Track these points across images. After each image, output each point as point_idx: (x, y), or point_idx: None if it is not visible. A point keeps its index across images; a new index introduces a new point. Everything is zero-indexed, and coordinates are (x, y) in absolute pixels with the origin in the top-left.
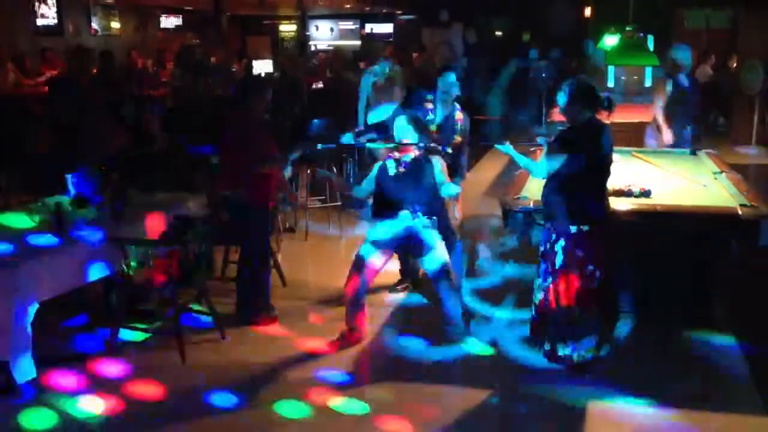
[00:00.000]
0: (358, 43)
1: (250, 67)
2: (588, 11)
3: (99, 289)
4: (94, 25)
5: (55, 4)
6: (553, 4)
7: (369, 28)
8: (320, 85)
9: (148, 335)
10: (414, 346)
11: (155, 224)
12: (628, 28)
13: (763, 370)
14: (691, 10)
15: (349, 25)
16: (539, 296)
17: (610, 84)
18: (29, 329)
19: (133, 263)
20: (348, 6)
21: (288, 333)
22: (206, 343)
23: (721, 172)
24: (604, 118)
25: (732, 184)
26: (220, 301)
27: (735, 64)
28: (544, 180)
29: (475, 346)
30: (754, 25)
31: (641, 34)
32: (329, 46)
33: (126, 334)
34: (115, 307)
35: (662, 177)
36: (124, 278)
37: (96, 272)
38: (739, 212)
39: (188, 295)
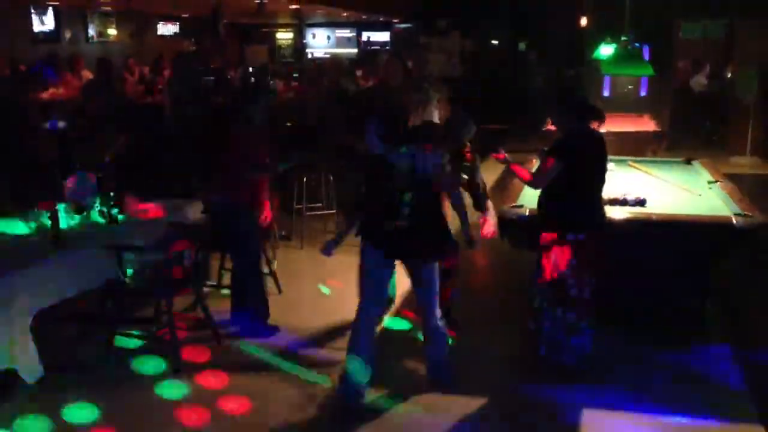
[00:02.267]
0: (355, 51)
1: (248, 76)
2: (584, 21)
3: (95, 296)
4: (91, 32)
5: (52, 11)
6: (550, 14)
7: (366, 36)
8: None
9: (143, 342)
10: (411, 353)
11: (151, 231)
12: (623, 38)
13: (758, 377)
14: (688, 21)
15: (346, 33)
16: (536, 303)
17: (606, 93)
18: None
19: (129, 270)
20: (345, 14)
21: (284, 340)
22: (202, 351)
23: (716, 181)
24: (597, 127)
25: (726, 193)
26: (216, 308)
27: (730, 74)
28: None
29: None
30: (750, 35)
31: (637, 44)
32: (326, 54)
33: (122, 342)
34: (111, 315)
35: (657, 186)
36: (120, 285)
37: (92, 280)
38: (734, 221)
39: (184, 303)
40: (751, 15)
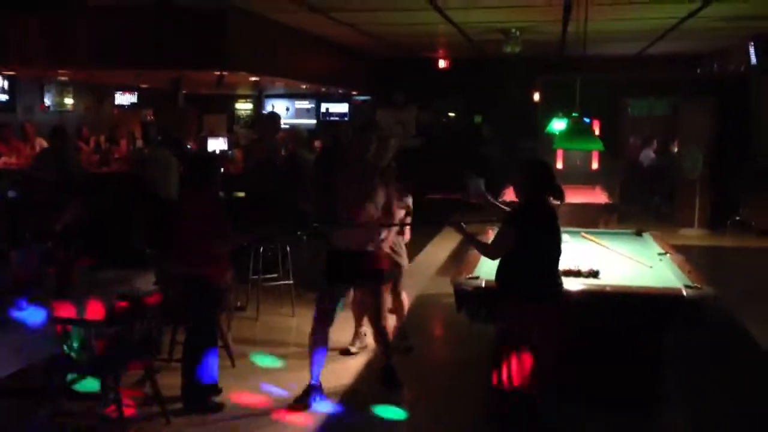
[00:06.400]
0: (313, 122)
1: (204, 145)
2: (537, 96)
3: (39, 370)
4: (47, 101)
5: (7, 81)
6: (505, 89)
7: (325, 107)
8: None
9: (89, 420)
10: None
11: (101, 303)
12: (574, 114)
13: None
14: (636, 99)
15: (305, 104)
16: (493, 374)
17: (559, 165)
18: None
19: (75, 344)
20: (304, 87)
21: (235, 416)
22: (150, 428)
23: (666, 253)
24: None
25: (676, 265)
26: (167, 383)
27: (676, 149)
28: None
29: None
30: (694, 113)
31: (587, 119)
32: (285, 124)
33: (66, 418)
34: (55, 390)
35: (610, 257)
36: (65, 360)
37: (36, 354)
38: (684, 293)
39: (133, 377)
40: (694, 95)
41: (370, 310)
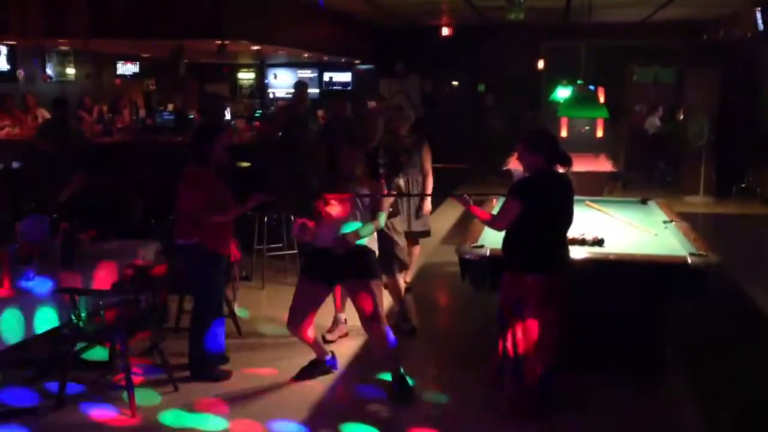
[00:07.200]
0: (317, 91)
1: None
2: (541, 64)
3: (47, 340)
4: (49, 71)
5: (7, 50)
6: (508, 56)
7: (328, 76)
8: (279, 133)
9: (97, 388)
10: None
11: (107, 273)
12: (579, 82)
13: (713, 414)
14: (641, 66)
15: (307, 73)
16: (498, 344)
17: (564, 134)
18: None
19: (83, 314)
20: (307, 55)
21: (242, 384)
22: (158, 396)
23: (671, 221)
24: (565, 169)
25: (681, 232)
26: (174, 351)
27: (682, 117)
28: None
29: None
30: (699, 81)
31: (592, 87)
32: (288, 94)
33: (75, 388)
34: (64, 360)
35: (614, 226)
36: (73, 329)
37: (44, 324)
38: (689, 261)
39: (141, 346)
40: (699, 63)
41: (360, 312)
